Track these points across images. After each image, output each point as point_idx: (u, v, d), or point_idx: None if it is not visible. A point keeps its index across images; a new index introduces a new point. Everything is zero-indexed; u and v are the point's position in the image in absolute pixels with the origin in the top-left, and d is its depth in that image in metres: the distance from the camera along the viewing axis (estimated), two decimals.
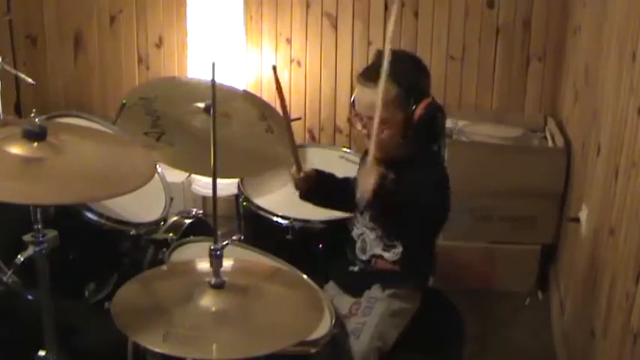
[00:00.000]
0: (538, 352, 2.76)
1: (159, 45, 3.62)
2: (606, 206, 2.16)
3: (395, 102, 1.95)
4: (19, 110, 3.27)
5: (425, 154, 2.07)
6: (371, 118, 1.97)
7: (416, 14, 3.43)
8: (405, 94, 1.95)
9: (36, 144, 1.58)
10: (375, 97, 1.93)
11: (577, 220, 2.57)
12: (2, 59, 2.54)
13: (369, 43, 3.49)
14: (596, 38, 2.60)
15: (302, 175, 2.13)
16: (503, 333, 2.87)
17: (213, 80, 1.48)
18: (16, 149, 1.57)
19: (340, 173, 2.27)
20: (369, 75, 1.99)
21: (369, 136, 2.01)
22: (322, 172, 2.20)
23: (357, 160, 2.53)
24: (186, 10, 3.36)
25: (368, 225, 2.09)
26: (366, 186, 1.82)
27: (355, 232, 2.14)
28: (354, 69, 3.53)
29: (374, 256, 2.08)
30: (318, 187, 2.17)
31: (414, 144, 2.00)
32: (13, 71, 2.67)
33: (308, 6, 3.50)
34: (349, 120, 2.05)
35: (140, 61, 3.64)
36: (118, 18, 3.60)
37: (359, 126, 2.03)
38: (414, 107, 1.95)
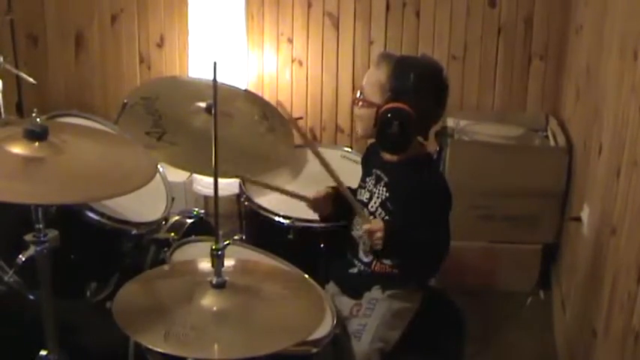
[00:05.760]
0: (539, 352, 2.76)
1: (160, 44, 3.62)
2: (608, 205, 2.16)
3: (378, 86, 2.01)
4: (20, 110, 3.26)
5: (422, 158, 2.10)
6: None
7: (417, 14, 3.43)
8: (388, 86, 1.99)
9: (37, 144, 1.58)
10: (377, 75, 2.01)
11: (579, 219, 2.56)
12: (3, 59, 2.54)
13: (371, 43, 3.49)
14: (597, 37, 2.60)
15: (322, 194, 2.17)
16: (505, 332, 2.87)
17: (214, 80, 1.48)
18: (17, 149, 1.56)
19: (341, 172, 2.25)
20: (380, 55, 2.09)
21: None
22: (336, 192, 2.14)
23: (359, 159, 2.53)
24: (187, 9, 3.36)
25: None
26: (375, 243, 1.93)
27: (356, 233, 2.14)
28: (355, 68, 3.53)
29: (375, 258, 2.08)
30: (337, 205, 2.18)
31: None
32: (15, 71, 2.68)
33: (309, 6, 3.50)
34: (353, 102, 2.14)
35: (141, 60, 3.64)
36: (119, 17, 3.60)
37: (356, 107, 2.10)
38: (385, 104, 1.98)
